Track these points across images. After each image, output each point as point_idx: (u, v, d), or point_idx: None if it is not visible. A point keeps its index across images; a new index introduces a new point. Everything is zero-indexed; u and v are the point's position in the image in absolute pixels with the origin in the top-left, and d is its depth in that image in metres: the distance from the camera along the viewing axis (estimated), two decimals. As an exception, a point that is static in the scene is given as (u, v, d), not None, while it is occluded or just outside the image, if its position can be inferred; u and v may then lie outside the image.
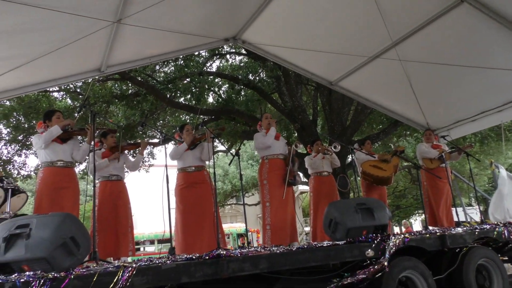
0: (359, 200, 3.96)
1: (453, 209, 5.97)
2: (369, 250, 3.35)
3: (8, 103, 9.95)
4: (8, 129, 10.70)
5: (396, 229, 22.04)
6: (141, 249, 17.39)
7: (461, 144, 9.08)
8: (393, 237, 3.49)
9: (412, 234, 3.90)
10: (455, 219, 5.94)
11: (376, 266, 3.25)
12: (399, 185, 21.03)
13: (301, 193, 27.17)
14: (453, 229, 4.23)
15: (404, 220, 18.19)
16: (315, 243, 4.06)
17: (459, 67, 5.37)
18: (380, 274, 3.25)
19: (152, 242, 17.99)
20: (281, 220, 4.90)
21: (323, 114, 11.45)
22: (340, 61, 6.17)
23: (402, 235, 3.63)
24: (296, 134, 10.79)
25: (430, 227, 5.50)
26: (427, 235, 3.82)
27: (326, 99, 10.78)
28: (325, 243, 3.67)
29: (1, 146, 10.91)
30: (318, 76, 6.93)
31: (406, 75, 5.72)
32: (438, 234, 3.87)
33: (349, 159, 10.77)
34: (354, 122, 10.63)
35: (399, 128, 11.52)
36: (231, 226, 20.17)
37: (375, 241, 3.42)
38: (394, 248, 3.38)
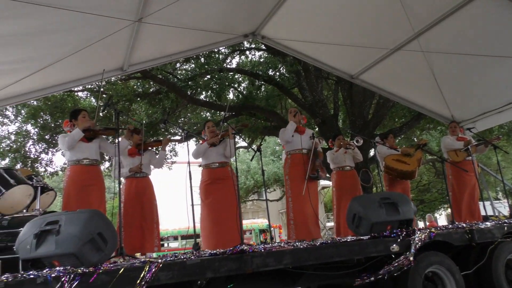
0: (383, 195, 3.91)
1: (480, 203, 5.82)
2: (394, 245, 3.30)
3: (35, 103, 10.23)
4: (36, 129, 11.00)
5: (421, 224, 21.68)
6: (165, 245, 17.64)
7: (487, 136, 8.85)
8: (418, 232, 3.44)
9: (439, 228, 3.83)
10: (483, 213, 5.80)
11: (401, 261, 3.21)
12: (423, 179, 20.66)
13: (323, 188, 27.00)
14: (481, 224, 4.14)
15: (428, 215, 17.86)
16: (339, 238, 4.03)
17: (484, 57, 5.22)
18: (406, 269, 3.21)
19: (175, 238, 18.23)
20: (303, 215, 4.88)
21: (344, 108, 11.34)
22: (361, 54, 6.09)
23: (428, 230, 3.57)
24: (317, 129, 10.72)
25: (457, 222, 5.39)
26: (454, 230, 3.74)
27: (347, 93, 10.66)
28: (349, 238, 3.64)
29: (30, 145, 11.23)
30: (338, 70, 6.85)
31: (429, 67, 5.60)
32: (465, 228, 3.79)
33: (372, 153, 10.66)
34: (376, 115, 10.48)
35: (422, 121, 11.31)
36: (253, 222, 20.24)
37: (400, 236, 3.38)
38: (420, 243, 3.33)
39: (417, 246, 3.30)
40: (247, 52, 12.17)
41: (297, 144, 5.10)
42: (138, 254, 4.38)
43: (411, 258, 3.21)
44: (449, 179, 6.03)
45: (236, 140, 5.06)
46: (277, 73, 11.24)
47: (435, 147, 14.55)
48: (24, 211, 4.32)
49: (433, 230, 3.60)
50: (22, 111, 10.69)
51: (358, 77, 6.84)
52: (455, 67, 5.85)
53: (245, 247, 2.95)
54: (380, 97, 10.15)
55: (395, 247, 3.30)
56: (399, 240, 3.35)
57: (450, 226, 4.13)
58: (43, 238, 2.46)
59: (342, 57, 6.43)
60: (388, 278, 3.27)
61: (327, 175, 7.27)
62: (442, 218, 28.17)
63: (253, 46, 11.58)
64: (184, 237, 17.15)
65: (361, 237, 3.52)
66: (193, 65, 10.77)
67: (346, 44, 5.69)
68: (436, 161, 15.39)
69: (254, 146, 5.83)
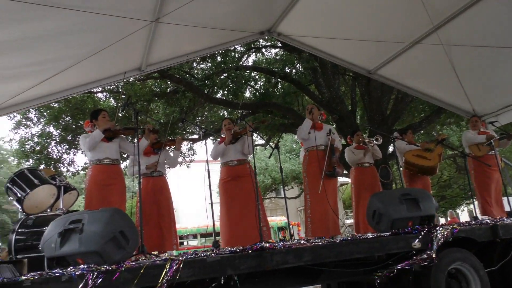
0: (403, 191, 3.86)
1: (504, 198, 5.69)
2: (416, 241, 3.25)
3: (56, 105, 10.43)
4: (58, 130, 11.23)
5: (442, 221, 21.32)
6: (184, 243, 17.77)
7: (511, 130, 8.62)
8: (440, 228, 3.38)
9: (461, 224, 3.75)
10: (507, 208, 5.66)
11: (423, 258, 3.16)
12: (444, 175, 20.29)
13: (341, 185, 26.81)
14: (505, 219, 4.04)
15: (450, 211, 17.53)
16: (359, 235, 3.99)
17: (506, 49, 5.08)
18: (428, 266, 3.16)
19: (195, 236, 18.34)
20: (320, 212, 4.85)
21: (362, 104, 11.21)
22: (378, 49, 6.01)
23: (451, 226, 3.51)
24: (334, 125, 10.64)
25: (480, 217, 5.28)
26: (477, 226, 3.67)
27: (364, 89, 10.54)
28: (369, 235, 3.60)
29: (52, 146, 11.47)
30: (355, 65, 6.78)
31: (449, 60, 5.48)
32: (489, 224, 3.70)
33: (391, 149, 10.52)
34: (395, 111, 10.34)
35: (443, 115, 11.10)
36: (272, 220, 20.19)
37: (422, 232, 3.33)
38: (442, 240, 3.27)
39: (439, 242, 3.24)
40: (263, 50, 12.16)
41: (313, 141, 5.06)
42: (155, 252, 4.43)
43: (433, 255, 3.16)
44: (472, 174, 5.90)
45: (254, 137, 5.04)
46: (294, 70, 11.20)
47: (456, 142, 14.27)
48: (48, 210, 4.41)
49: (455, 226, 3.53)
50: (45, 113, 10.91)
51: (375, 72, 6.75)
52: (476, 59, 5.72)
53: (265, 244, 2.95)
54: (398, 92, 10.00)
55: (416, 244, 3.25)
56: (420, 236, 3.30)
57: (473, 222, 4.05)
58: (67, 236, 2.51)
59: (359, 52, 6.35)
60: (410, 275, 3.23)
61: (345, 171, 7.21)
62: (464, 214, 27.62)
63: (269, 43, 11.56)
64: (203, 235, 17.25)
65: (382, 234, 3.48)
66: (209, 64, 10.81)
67: (363, 39, 5.62)
68: (458, 156, 15.09)
69: (271, 144, 5.82)
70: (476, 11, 4.85)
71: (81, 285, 2.22)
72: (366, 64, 6.71)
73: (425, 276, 3.21)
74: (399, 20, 5.40)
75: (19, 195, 4.12)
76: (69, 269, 2.34)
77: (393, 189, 9.24)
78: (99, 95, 11.51)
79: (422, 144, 5.82)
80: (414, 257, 3.19)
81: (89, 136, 4.43)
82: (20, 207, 4.17)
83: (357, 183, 5.75)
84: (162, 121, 10.99)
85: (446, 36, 5.26)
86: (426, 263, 3.14)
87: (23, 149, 11.21)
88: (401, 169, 5.87)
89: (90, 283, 2.24)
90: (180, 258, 2.57)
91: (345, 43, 5.85)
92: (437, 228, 3.38)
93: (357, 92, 11.32)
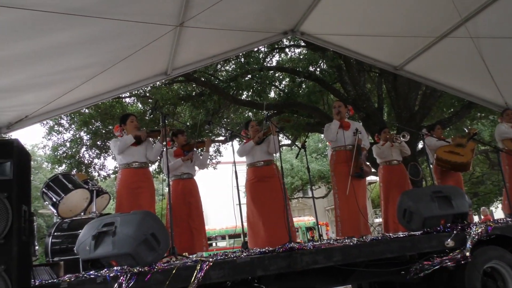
0: (434, 188, 3.76)
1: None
2: (449, 240, 3.17)
3: (86, 111, 10.73)
4: (88, 135, 11.55)
5: (475, 218, 20.69)
6: (213, 244, 17.92)
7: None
8: (474, 226, 3.28)
9: (496, 222, 3.63)
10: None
11: (457, 257, 3.07)
12: (476, 171, 19.69)
13: (369, 183, 26.42)
14: (543, 216, 3.88)
15: (483, 208, 17.00)
16: (390, 234, 3.92)
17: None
18: (462, 265, 3.07)
19: (223, 237, 18.47)
20: (349, 212, 4.79)
21: (389, 100, 11.03)
22: (404, 44, 5.88)
23: (485, 224, 3.40)
24: (361, 123, 10.49)
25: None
26: (513, 223, 3.54)
27: (391, 85, 10.36)
28: (401, 234, 3.54)
29: (83, 151, 11.81)
30: (381, 61, 6.66)
31: (479, 53, 5.31)
32: (526, 221, 3.57)
33: (420, 146, 10.29)
34: (423, 107, 10.12)
35: (473, 110, 10.79)
36: (299, 220, 20.11)
37: (455, 231, 3.24)
38: (476, 238, 3.18)
39: (474, 240, 3.15)
40: (287, 50, 12.13)
41: (341, 140, 5.01)
42: (185, 254, 4.48)
43: (468, 253, 3.07)
44: (505, 170, 5.69)
45: (280, 138, 5.03)
46: (318, 69, 11.12)
47: (487, 137, 13.83)
48: (82, 214, 4.54)
49: (490, 223, 3.42)
50: (75, 119, 11.24)
51: (402, 68, 6.61)
52: (506, 51, 5.51)
53: (294, 245, 2.94)
54: (426, 88, 9.77)
55: (450, 242, 3.17)
56: (453, 235, 3.21)
57: (509, 219, 3.91)
58: (101, 239, 2.57)
59: (384, 48, 6.24)
60: (444, 274, 3.15)
61: (373, 170, 7.09)
62: (498, 211, 26.70)
63: (292, 43, 11.52)
64: (231, 236, 17.34)
65: (413, 233, 3.41)
66: (233, 66, 10.87)
67: (388, 34, 5.51)
68: (490, 151, 14.61)
69: (298, 143, 5.79)
70: (506, 2, 4.68)
71: (115, 287, 2.27)
72: (392, 60, 6.58)
73: (460, 275, 3.13)
74: (425, 14, 5.27)
75: (54, 200, 4.25)
76: (103, 271, 2.40)
77: (424, 187, 9.02)
78: (127, 100, 11.76)
79: (454, 140, 5.66)
80: (448, 256, 3.11)
81: (120, 140, 4.53)
82: (55, 211, 4.30)
83: (385, 182, 5.65)
84: (188, 124, 11.12)
85: (475, 28, 5.10)
86: (460, 262, 3.06)
87: (56, 154, 11.58)
88: (431, 166, 5.73)
89: (124, 284, 2.29)
90: (211, 259, 2.59)
91: (370, 40, 5.76)
92: (471, 226, 3.28)
93: (383, 89, 11.14)
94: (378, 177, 6.05)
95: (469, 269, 3.11)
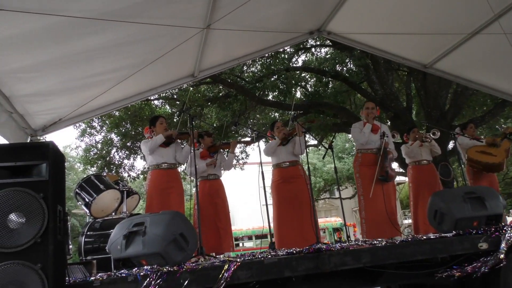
0: (467, 189, 3.65)
1: None
2: (482, 242, 3.07)
3: (117, 113, 10.99)
4: (118, 137, 11.83)
5: (509, 219, 19.95)
6: (240, 244, 18.01)
7: None
8: (509, 228, 3.16)
9: (533, 224, 3.49)
10: None
11: (491, 260, 2.97)
12: (510, 171, 18.99)
13: (398, 184, 25.89)
14: None
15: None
16: (420, 235, 3.84)
17: None
18: (497, 268, 2.97)
19: (250, 238, 18.54)
20: (375, 213, 4.72)
21: (418, 99, 10.80)
22: (434, 42, 5.73)
23: (521, 226, 3.27)
24: (389, 123, 10.31)
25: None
26: (552, 225, 3.39)
27: (420, 84, 10.14)
28: (431, 235, 3.45)
29: (114, 152, 12.10)
30: (410, 60, 6.51)
31: (513, 49, 5.12)
32: None
33: (451, 146, 10.03)
34: (454, 105, 9.86)
35: (507, 108, 10.42)
36: (326, 221, 19.97)
37: (488, 233, 3.13)
38: (511, 240, 3.06)
39: (509, 243, 3.04)
40: (313, 50, 12.06)
41: (369, 143, 4.95)
42: (213, 254, 4.52)
43: (502, 256, 2.96)
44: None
45: (306, 138, 5.00)
46: (345, 68, 11.00)
47: (524, 136, 13.29)
48: (113, 214, 4.66)
49: (527, 225, 3.29)
50: (106, 121, 11.54)
51: (432, 66, 6.45)
52: (543, 47, 5.30)
53: (322, 246, 2.92)
54: (457, 86, 9.51)
55: (483, 245, 3.06)
56: (487, 237, 3.11)
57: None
58: (131, 238, 2.62)
59: (413, 46, 6.10)
60: (477, 278, 3.05)
61: (402, 170, 6.94)
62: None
63: (318, 43, 11.45)
64: (258, 236, 17.38)
65: (445, 234, 3.32)
66: (259, 67, 10.90)
67: (417, 32, 5.39)
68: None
69: (325, 143, 5.74)
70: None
71: (144, 285, 2.32)
72: (421, 58, 6.43)
73: (494, 278, 3.02)
74: (456, 11, 5.13)
75: (87, 200, 4.38)
76: (134, 270, 2.45)
77: (456, 187, 8.78)
78: (155, 102, 11.98)
79: (487, 139, 5.49)
80: (481, 259, 3.01)
81: (150, 141, 4.63)
82: (88, 211, 4.43)
83: (415, 182, 5.53)
84: (215, 125, 11.22)
85: (508, 24, 4.92)
86: (494, 265, 2.96)
87: (88, 155, 11.92)
88: (463, 166, 5.58)
89: (153, 283, 2.33)
90: (238, 259, 2.60)
91: (398, 38, 5.65)
92: (505, 228, 3.16)
93: (412, 88, 10.91)
94: (407, 178, 5.94)
95: (504, 272, 3.00)
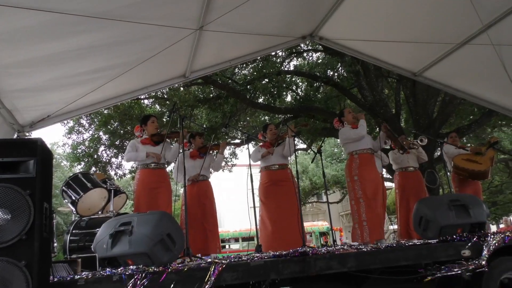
0: (452, 196, 3.72)
1: None
2: (466, 249, 3.12)
3: (106, 111, 10.92)
4: (107, 135, 11.74)
5: (493, 228, 20.23)
6: (226, 246, 17.96)
7: None
8: (492, 236, 3.22)
9: (514, 232, 3.56)
10: None
11: (473, 267, 3.03)
12: (495, 180, 19.29)
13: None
14: None
15: (505, 217, 16.61)
16: (405, 241, 3.89)
17: None
18: (479, 275, 3.02)
19: (236, 240, 18.49)
20: (377, 216, 4.74)
21: (407, 107, 10.91)
22: (424, 50, 5.81)
23: (503, 234, 3.33)
24: (378, 129, 10.40)
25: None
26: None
27: (409, 91, 10.25)
28: (416, 242, 3.50)
29: (102, 151, 12.01)
30: (400, 67, 6.59)
31: (500, 60, 5.22)
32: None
33: (438, 153, 10.15)
34: (442, 114, 9.98)
35: (494, 118, 10.59)
36: (313, 225, 20.01)
37: (472, 240, 3.19)
38: (493, 248, 3.12)
39: (491, 250, 3.10)
40: (305, 54, 12.12)
41: (364, 143, 4.97)
42: (199, 255, 4.52)
43: (484, 263, 3.02)
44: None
45: (296, 142, 5.03)
46: (335, 74, 11.08)
47: (508, 145, 13.53)
48: (100, 212, 4.62)
49: (508, 233, 3.36)
50: (95, 119, 11.44)
51: (421, 75, 6.53)
52: (530, 59, 5.41)
53: (308, 250, 2.94)
54: (446, 94, 9.64)
55: (466, 252, 3.12)
56: (470, 244, 3.16)
57: (529, 230, 3.83)
58: (118, 238, 2.62)
59: (403, 54, 6.18)
60: (460, 285, 3.10)
61: (389, 176, 7.01)
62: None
63: (310, 47, 11.51)
64: (245, 239, 17.36)
65: (429, 241, 3.37)
66: (251, 69, 10.92)
67: (408, 40, 5.46)
68: (510, 160, 14.31)
69: (313, 148, 5.78)
70: (530, 9, 4.60)
71: (130, 285, 2.31)
72: (411, 66, 6.52)
73: (476, 285, 3.07)
74: (446, 20, 5.21)
75: (73, 198, 4.34)
76: (119, 269, 2.44)
77: (441, 195, 8.90)
78: (145, 101, 11.92)
79: (472, 148, 5.58)
80: (463, 265, 3.06)
81: (134, 154, 4.65)
82: (74, 209, 4.39)
83: (401, 188, 5.60)
84: (205, 126, 11.21)
85: (497, 35, 5.01)
86: (476, 271, 3.01)
87: (75, 152, 11.80)
88: (449, 174, 5.66)
89: (138, 283, 2.33)
90: (224, 261, 2.61)
91: (389, 45, 5.72)
92: (488, 236, 3.22)
93: (401, 95, 11.03)
94: (393, 184, 6.00)
95: (486, 280, 3.06)
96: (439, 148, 8.55)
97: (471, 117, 11.48)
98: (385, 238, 4.85)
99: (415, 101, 10.08)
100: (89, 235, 3.97)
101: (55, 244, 3.72)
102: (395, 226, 6.11)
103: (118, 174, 12.50)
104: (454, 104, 9.86)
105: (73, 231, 4.10)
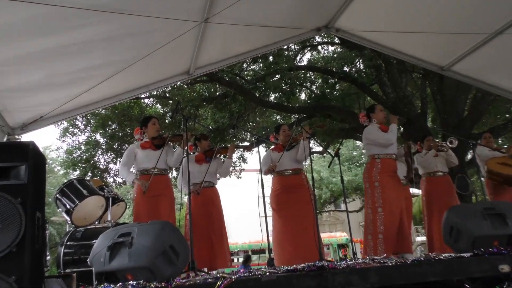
0: (486, 204, 3.65)
1: None
2: (504, 264, 3.07)
3: (103, 111, 11.00)
4: (104, 138, 11.82)
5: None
6: (235, 260, 17.94)
7: None
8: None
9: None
10: None
11: (513, 284, 2.98)
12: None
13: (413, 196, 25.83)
14: None
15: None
16: (434, 254, 3.83)
17: None
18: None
19: (246, 253, 18.47)
20: (395, 227, 4.68)
21: (434, 105, 10.83)
22: (453, 42, 5.77)
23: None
24: (402, 130, 10.34)
25: None
26: None
27: (437, 88, 10.17)
28: (446, 255, 3.45)
29: (99, 155, 12.09)
30: (426, 61, 6.55)
31: (539, 52, 5.16)
32: None
33: (470, 156, 10.05)
34: (473, 112, 9.89)
35: (532, 116, 10.47)
36: (331, 236, 19.92)
37: (511, 254, 3.13)
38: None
39: (533, 266, 3.04)
40: (319, 47, 12.09)
41: (391, 148, 4.90)
42: (205, 269, 4.51)
43: (525, 280, 2.97)
44: None
45: (310, 145, 4.99)
46: (354, 69, 11.04)
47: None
48: (96, 222, 4.64)
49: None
50: (91, 120, 11.53)
51: (450, 69, 6.48)
52: None
53: (325, 263, 2.92)
54: (477, 91, 9.54)
55: (505, 267, 3.06)
56: (509, 258, 3.11)
57: None
58: (117, 250, 2.61)
59: (430, 46, 6.13)
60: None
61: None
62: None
63: (325, 40, 11.49)
64: (255, 251, 17.33)
65: (461, 254, 3.32)
66: (261, 65, 10.92)
67: (434, 31, 5.42)
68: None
69: (330, 151, 5.75)
70: None
71: (130, 302, 2.31)
72: (438, 59, 6.47)
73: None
74: (478, 8, 5.16)
75: (68, 206, 4.36)
76: (118, 284, 2.44)
77: (474, 203, 8.79)
78: (146, 101, 12.00)
79: (509, 150, 5.51)
80: (503, 284, 3.01)
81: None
82: (68, 219, 4.41)
83: (429, 195, 5.55)
84: (211, 127, 11.23)
85: (534, 24, 4.96)
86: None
87: (71, 157, 11.90)
88: (482, 179, 5.59)
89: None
90: (233, 276, 2.59)
91: (413, 37, 5.68)
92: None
93: (427, 92, 10.95)
94: (420, 190, 5.95)
95: (526, 299, 3.00)
96: (471, 151, 8.48)
97: (506, 115, 11.37)
98: (412, 252, 4.80)
99: (443, 98, 9.99)
100: (85, 247, 3.98)
101: (48, 257, 3.74)
102: (423, 238, 6.04)
103: (117, 182, 12.55)
104: (487, 101, 9.76)
105: (68, 243, 4.12)
